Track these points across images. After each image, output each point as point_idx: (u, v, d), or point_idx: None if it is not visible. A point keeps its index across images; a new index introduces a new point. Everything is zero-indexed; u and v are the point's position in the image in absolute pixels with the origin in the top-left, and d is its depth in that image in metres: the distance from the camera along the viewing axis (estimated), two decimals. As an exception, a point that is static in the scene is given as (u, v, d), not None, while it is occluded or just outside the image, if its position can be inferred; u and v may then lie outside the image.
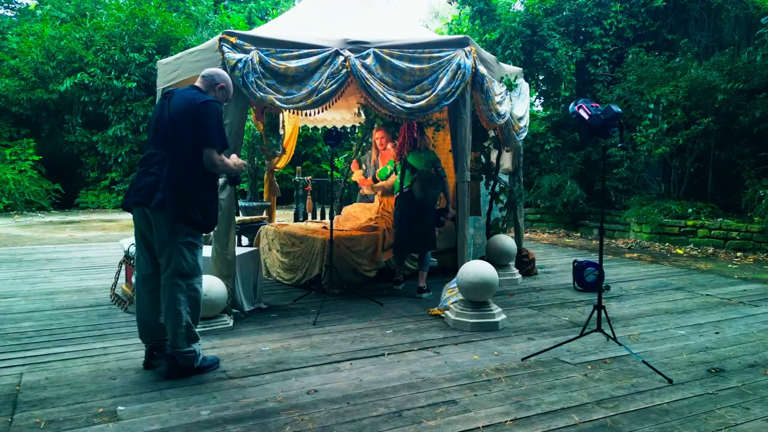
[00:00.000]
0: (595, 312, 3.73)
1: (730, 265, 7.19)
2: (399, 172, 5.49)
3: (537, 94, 12.27)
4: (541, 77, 11.66)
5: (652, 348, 3.91)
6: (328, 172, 13.47)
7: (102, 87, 14.93)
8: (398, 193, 5.45)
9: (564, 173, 10.76)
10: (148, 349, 3.44)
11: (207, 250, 4.62)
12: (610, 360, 3.64)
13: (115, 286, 5.21)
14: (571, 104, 3.54)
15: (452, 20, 13.89)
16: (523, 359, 3.64)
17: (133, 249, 4.90)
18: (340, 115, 7.80)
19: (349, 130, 8.72)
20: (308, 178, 8.87)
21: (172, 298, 3.27)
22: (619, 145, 3.69)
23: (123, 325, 4.37)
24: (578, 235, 10.46)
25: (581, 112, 3.44)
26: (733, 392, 3.16)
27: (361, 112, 7.04)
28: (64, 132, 15.28)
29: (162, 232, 3.24)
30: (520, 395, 3.09)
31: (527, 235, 10.14)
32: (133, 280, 4.80)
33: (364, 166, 7.14)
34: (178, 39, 15.89)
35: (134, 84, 14.97)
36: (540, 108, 13.01)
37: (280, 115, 7.13)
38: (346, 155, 11.83)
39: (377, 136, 6.13)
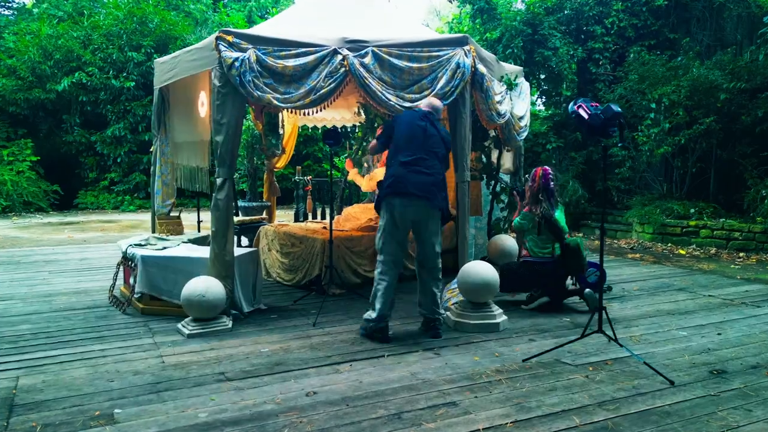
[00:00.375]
0: (597, 313, 3.73)
1: (732, 266, 7.18)
2: (528, 228, 4.95)
3: (538, 93, 12.26)
4: (542, 76, 11.65)
5: (654, 349, 3.91)
6: (329, 172, 13.46)
7: (100, 86, 14.93)
8: (539, 259, 4.92)
9: (566, 173, 10.75)
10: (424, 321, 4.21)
11: (205, 251, 4.62)
12: (612, 361, 3.64)
13: (113, 287, 5.22)
14: (571, 104, 3.54)
15: (453, 19, 13.89)
16: (524, 360, 3.64)
17: (130, 250, 4.91)
18: (340, 115, 7.80)
19: (349, 130, 8.70)
20: (308, 178, 8.88)
21: (438, 276, 4.16)
22: (619, 144, 3.69)
23: (121, 327, 4.37)
24: (580, 235, 10.44)
25: (581, 111, 3.43)
26: (735, 394, 3.15)
27: (361, 111, 7.04)
28: (62, 132, 15.28)
29: (435, 225, 4.05)
30: (521, 397, 3.08)
31: (528, 235, 10.12)
32: (131, 281, 4.82)
33: (366, 165, 7.14)
34: (176, 38, 15.88)
35: (133, 83, 14.97)
36: (542, 107, 13.00)
37: (280, 114, 7.13)
38: (346, 155, 11.82)
39: None
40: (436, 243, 4.11)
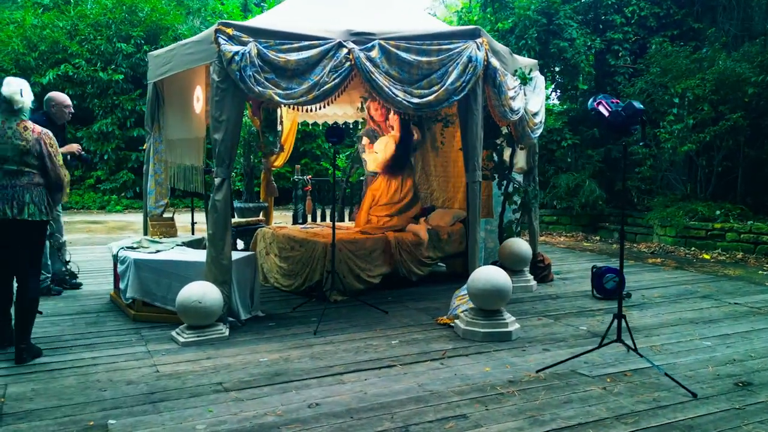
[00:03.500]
0: (615, 321, 3.78)
1: (760, 272, 7.21)
2: None
3: (553, 87, 12.30)
4: (557, 69, 11.69)
5: (676, 360, 3.95)
6: (329, 171, 13.50)
7: (87, 79, 15.02)
8: None
9: (582, 172, 10.79)
10: None
11: (201, 255, 4.69)
12: (631, 372, 3.69)
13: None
14: (590, 100, 3.59)
15: (462, 8, 13.94)
16: (537, 371, 3.69)
17: (122, 253, 4.97)
18: (342, 110, 7.86)
19: (351, 126, 8.76)
20: (308, 177, 8.94)
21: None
22: (641, 143, 3.74)
23: (112, 334, 4.43)
24: (597, 238, 10.48)
25: (601, 108, 3.49)
26: (762, 407, 3.19)
27: (364, 106, 7.10)
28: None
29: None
30: (534, 410, 3.13)
31: (543, 238, 10.18)
32: (121, 285, 4.88)
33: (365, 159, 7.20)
34: (168, 28, 15.98)
35: (121, 76, 15.06)
36: (556, 102, 13.05)
37: (278, 110, 7.20)
38: (348, 153, 11.88)
39: (373, 107, 6.38)
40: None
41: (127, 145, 15.34)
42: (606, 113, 3.46)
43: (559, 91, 12.65)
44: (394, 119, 6.51)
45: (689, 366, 3.83)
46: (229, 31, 4.25)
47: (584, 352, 3.90)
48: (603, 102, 3.49)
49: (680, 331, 4.64)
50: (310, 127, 13.66)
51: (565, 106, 12.37)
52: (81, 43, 15.27)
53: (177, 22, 16.28)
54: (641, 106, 3.41)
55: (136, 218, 12.22)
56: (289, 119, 7.51)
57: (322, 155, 16.52)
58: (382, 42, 4.48)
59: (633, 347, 3.71)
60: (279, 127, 7.44)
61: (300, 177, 8.82)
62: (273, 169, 7.83)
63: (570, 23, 10.89)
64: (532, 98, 5.67)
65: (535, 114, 5.74)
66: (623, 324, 3.76)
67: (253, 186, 8.78)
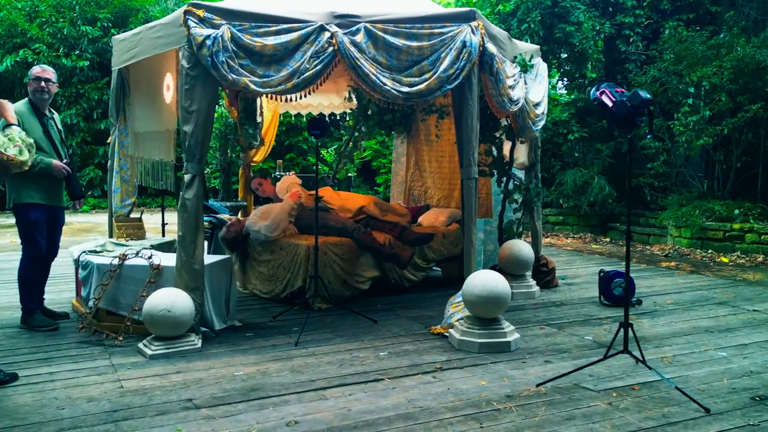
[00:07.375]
0: (622, 330, 3.79)
1: (782, 276, 7.27)
2: None
3: (559, 75, 12.34)
4: (563, 56, 11.73)
5: (688, 372, 3.97)
6: (315, 167, 13.48)
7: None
8: None
9: (590, 168, 10.83)
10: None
11: (171, 259, 4.67)
12: (639, 386, 3.70)
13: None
14: (593, 89, 3.60)
15: (460, -12, 13.95)
16: (538, 385, 3.70)
17: (84, 257, 4.96)
18: (328, 100, 7.86)
19: (338, 118, 8.76)
20: (291, 173, 8.94)
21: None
22: (648, 136, 3.76)
23: (72, 346, 4.41)
24: (607, 240, 10.53)
25: (604, 98, 3.50)
26: (780, 423, 3.22)
27: (353, 96, 7.10)
28: (4, 119, 15.29)
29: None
30: (534, 427, 3.14)
31: (548, 240, 10.21)
32: (83, 293, 4.86)
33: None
34: (138, 9, 15.92)
35: (86, 63, 14.99)
36: (563, 91, 13.08)
37: (258, 100, 7.19)
38: (336, 146, 11.90)
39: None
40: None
41: (93, 138, 15.27)
42: (610, 104, 3.47)
43: (565, 79, 12.69)
44: None
45: (702, 379, 3.85)
46: (200, 12, 4.24)
47: (589, 364, 3.91)
48: (606, 91, 3.50)
49: (694, 341, 4.66)
50: (294, 119, 13.66)
51: (572, 96, 12.41)
52: (42, 27, 15.17)
53: (148, 3, 16.22)
54: (648, 95, 3.43)
55: (104, 219, 12.15)
56: (269, 110, 7.51)
57: (309, 149, 16.48)
58: (368, 25, 4.48)
59: (641, 359, 3.72)
60: (259, 119, 7.44)
61: (282, 173, 8.82)
62: (253, 164, 7.82)
63: (577, 5, 10.91)
64: (534, 87, 5.68)
65: (537, 104, 5.76)
66: (631, 333, 3.77)
67: (230, 183, 8.77)
